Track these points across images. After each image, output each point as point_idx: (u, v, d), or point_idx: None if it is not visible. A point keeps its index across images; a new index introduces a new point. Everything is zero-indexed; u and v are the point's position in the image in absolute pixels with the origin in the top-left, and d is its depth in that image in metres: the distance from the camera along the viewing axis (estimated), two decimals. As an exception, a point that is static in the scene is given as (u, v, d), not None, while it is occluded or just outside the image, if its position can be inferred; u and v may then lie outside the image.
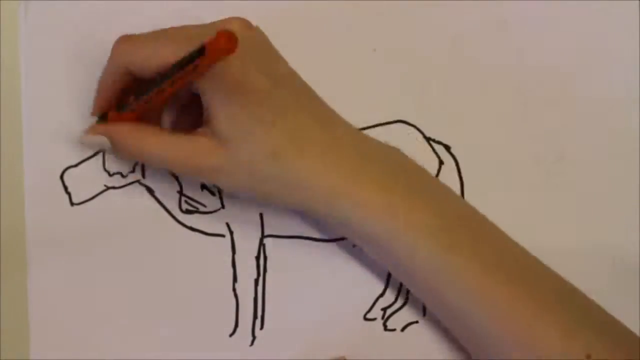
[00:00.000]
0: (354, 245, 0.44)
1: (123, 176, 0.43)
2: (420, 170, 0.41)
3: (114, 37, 0.43)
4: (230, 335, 0.43)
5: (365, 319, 0.44)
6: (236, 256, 0.44)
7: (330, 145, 0.39)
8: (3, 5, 0.44)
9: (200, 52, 0.33)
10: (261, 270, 0.44)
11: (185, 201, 0.44)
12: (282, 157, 0.38)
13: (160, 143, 0.39)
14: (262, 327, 0.44)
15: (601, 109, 0.45)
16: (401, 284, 0.44)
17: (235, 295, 0.44)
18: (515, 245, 0.40)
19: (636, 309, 0.43)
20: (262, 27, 0.44)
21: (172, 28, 0.40)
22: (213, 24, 0.40)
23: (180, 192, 0.44)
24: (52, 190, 0.43)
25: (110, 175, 0.43)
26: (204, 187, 0.44)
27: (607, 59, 0.45)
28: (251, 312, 0.44)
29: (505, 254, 0.40)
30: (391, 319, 0.44)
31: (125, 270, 0.43)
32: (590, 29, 0.45)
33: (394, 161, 0.41)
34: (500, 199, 0.44)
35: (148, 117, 0.41)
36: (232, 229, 0.44)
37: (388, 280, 0.44)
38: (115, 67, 0.40)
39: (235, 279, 0.44)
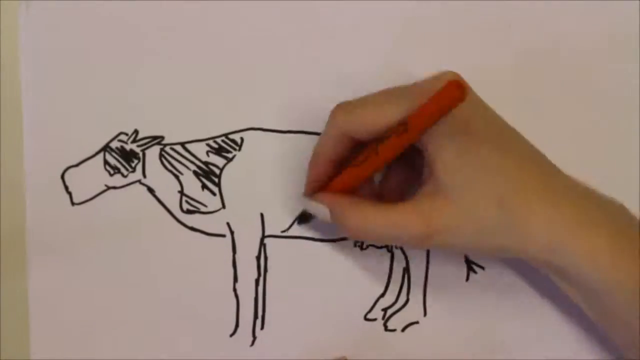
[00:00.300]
0: (355, 245, 0.44)
1: (124, 176, 0.43)
2: None
3: (115, 37, 0.44)
4: (231, 335, 0.44)
5: (366, 319, 0.44)
6: (237, 256, 0.44)
7: (553, 192, 0.38)
8: (3, 4, 0.44)
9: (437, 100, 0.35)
10: (262, 270, 0.44)
11: (186, 201, 0.44)
12: (508, 206, 0.37)
13: (385, 218, 0.38)
14: (262, 327, 0.44)
15: (602, 109, 0.45)
16: (402, 285, 0.44)
17: (236, 295, 0.44)
18: None
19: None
20: (262, 27, 0.44)
21: (390, 89, 0.40)
22: (429, 80, 0.39)
23: (181, 192, 0.44)
24: (53, 190, 0.43)
25: (111, 175, 0.43)
26: (204, 187, 0.44)
27: (608, 59, 0.45)
28: (252, 312, 0.44)
29: None
30: (392, 319, 0.44)
31: (125, 270, 0.43)
32: (590, 29, 0.45)
33: (617, 211, 0.39)
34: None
35: (363, 186, 0.41)
36: (233, 229, 0.44)
37: (389, 280, 0.44)
38: (335, 133, 0.39)
39: (235, 279, 0.44)
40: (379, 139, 0.38)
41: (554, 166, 0.40)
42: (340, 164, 0.41)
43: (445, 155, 0.37)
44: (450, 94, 0.34)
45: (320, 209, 0.40)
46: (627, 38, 0.45)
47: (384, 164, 0.39)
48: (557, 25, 0.45)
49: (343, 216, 0.39)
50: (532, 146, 0.40)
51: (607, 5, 0.45)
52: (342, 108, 0.40)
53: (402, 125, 0.37)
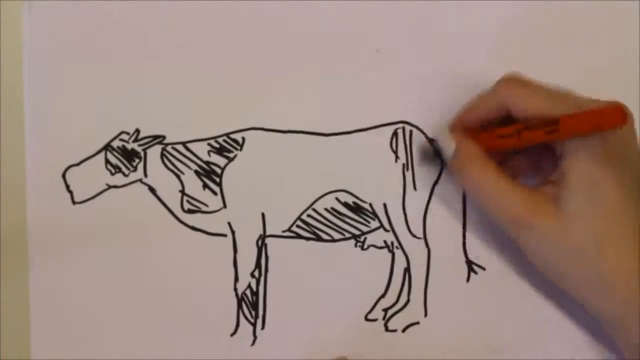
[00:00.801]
0: (355, 245, 0.44)
1: (125, 175, 0.43)
2: None
3: (116, 36, 0.44)
4: (232, 335, 0.43)
5: (367, 319, 0.44)
6: (238, 256, 0.44)
7: None
8: (6, 4, 0.44)
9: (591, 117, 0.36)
10: (262, 270, 0.44)
11: (187, 200, 0.44)
12: (604, 253, 0.37)
13: (501, 185, 0.39)
14: (263, 327, 0.44)
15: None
16: (403, 285, 0.44)
17: (237, 295, 0.44)
18: None
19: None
20: (263, 27, 0.44)
21: (562, 91, 0.40)
22: (598, 101, 0.39)
23: (182, 192, 0.44)
24: (54, 189, 0.43)
25: (112, 174, 0.43)
26: (206, 186, 0.44)
27: (608, 59, 0.45)
28: (252, 312, 0.44)
29: None
30: (392, 319, 0.44)
31: (126, 270, 0.43)
32: (590, 29, 0.45)
33: None
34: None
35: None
36: (234, 228, 0.44)
37: (389, 281, 0.44)
38: (496, 99, 0.40)
39: (236, 279, 0.44)
40: (527, 123, 0.39)
41: None
42: (484, 123, 0.41)
43: (579, 180, 0.38)
44: (612, 115, 0.35)
45: (450, 143, 0.41)
46: (627, 38, 0.45)
47: (519, 148, 0.39)
48: (557, 26, 0.45)
49: (466, 160, 0.40)
50: None
51: (607, 5, 0.45)
52: (512, 81, 0.40)
53: (554, 125, 0.37)
